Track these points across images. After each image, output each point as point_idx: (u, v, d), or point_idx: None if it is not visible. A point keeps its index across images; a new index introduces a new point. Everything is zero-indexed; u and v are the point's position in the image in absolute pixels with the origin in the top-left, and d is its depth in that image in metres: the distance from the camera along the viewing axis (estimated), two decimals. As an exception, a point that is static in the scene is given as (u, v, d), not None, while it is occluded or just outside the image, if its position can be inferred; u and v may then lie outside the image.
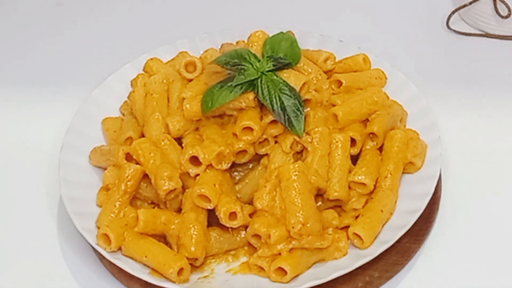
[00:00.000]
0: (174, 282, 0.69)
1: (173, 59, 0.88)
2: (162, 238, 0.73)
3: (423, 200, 0.73)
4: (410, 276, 0.73)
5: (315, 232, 0.69)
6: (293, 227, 0.69)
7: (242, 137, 0.73)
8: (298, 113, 0.74)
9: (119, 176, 0.74)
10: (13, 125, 0.90)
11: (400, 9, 1.02)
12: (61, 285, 0.74)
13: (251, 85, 0.75)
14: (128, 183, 0.73)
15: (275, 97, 0.74)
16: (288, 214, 0.70)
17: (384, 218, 0.73)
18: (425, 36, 0.98)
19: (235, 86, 0.74)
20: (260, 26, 0.85)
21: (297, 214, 0.69)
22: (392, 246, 0.71)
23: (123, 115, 0.84)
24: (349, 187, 0.74)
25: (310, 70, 0.81)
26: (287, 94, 0.74)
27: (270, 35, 0.82)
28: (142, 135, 0.78)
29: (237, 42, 0.87)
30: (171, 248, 0.72)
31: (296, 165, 0.71)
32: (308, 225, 0.69)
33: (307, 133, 0.75)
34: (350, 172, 0.74)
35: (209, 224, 0.73)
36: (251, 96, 0.75)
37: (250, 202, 0.73)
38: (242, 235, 0.73)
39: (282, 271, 0.69)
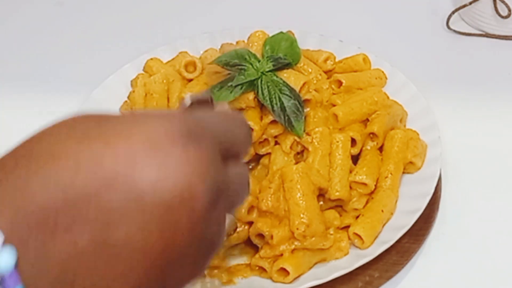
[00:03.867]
0: (174, 282, 0.69)
1: (173, 59, 0.87)
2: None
3: (423, 200, 0.73)
4: (410, 276, 0.73)
5: (318, 233, 0.69)
6: (297, 229, 0.69)
7: (242, 137, 0.73)
8: (298, 113, 0.74)
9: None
10: (13, 125, 0.90)
11: (400, 9, 1.01)
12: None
13: (251, 85, 0.75)
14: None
15: (275, 98, 0.74)
16: (292, 215, 0.70)
17: (384, 218, 0.73)
18: (425, 36, 0.98)
19: (235, 86, 0.74)
20: (260, 26, 0.85)
21: (301, 216, 0.69)
22: (392, 246, 0.71)
23: (123, 115, 0.84)
24: (350, 187, 0.74)
25: (310, 70, 0.81)
26: (287, 95, 0.74)
27: (270, 35, 0.82)
28: (142, 135, 0.78)
29: (237, 42, 0.87)
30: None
31: (299, 166, 0.71)
32: (312, 227, 0.69)
33: (307, 133, 0.74)
34: (350, 172, 0.74)
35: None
36: (251, 96, 0.74)
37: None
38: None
39: (284, 271, 0.69)
